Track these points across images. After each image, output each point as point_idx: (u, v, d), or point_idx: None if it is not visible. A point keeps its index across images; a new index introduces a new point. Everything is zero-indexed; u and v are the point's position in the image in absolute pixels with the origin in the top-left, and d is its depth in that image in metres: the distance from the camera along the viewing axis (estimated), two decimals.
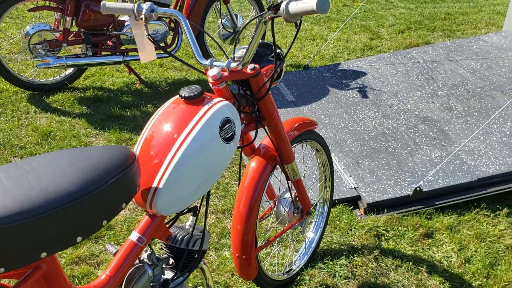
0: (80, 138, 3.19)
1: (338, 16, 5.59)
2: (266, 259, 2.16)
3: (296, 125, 1.91)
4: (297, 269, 2.12)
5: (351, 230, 2.42)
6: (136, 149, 1.42)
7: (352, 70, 4.04)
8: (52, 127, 3.30)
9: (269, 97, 1.64)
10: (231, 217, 2.51)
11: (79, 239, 1.11)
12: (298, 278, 2.11)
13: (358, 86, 3.78)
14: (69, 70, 3.81)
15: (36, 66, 3.56)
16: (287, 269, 2.11)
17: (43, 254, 1.05)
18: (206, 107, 1.43)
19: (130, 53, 3.77)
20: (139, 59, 3.79)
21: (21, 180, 1.07)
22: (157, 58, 3.93)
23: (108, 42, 3.73)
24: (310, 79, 3.93)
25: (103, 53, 3.72)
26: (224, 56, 1.55)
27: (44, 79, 3.80)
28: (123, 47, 3.75)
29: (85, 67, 3.84)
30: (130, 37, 3.68)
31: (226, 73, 1.54)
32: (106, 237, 2.36)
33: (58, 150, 1.21)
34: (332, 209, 2.52)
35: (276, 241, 2.24)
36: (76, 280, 2.11)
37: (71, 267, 2.18)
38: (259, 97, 1.61)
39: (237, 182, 2.79)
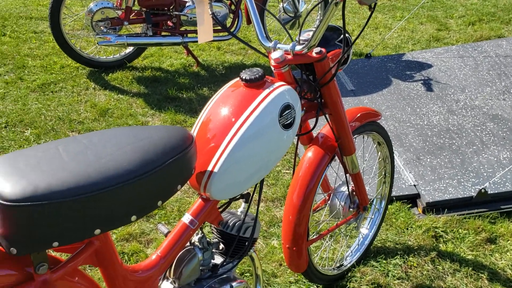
0: (136, 117, 3.22)
1: (404, 5, 5.35)
2: (316, 252, 2.09)
3: (359, 115, 1.82)
4: (348, 265, 2.04)
5: (407, 229, 2.30)
6: (194, 131, 1.39)
7: (417, 62, 3.84)
8: (110, 105, 3.36)
9: (333, 84, 1.56)
10: (281, 206, 2.45)
11: (133, 218, 1.09)
12: (349, 274, 2.03)
13: (422, 78, 3.59)
14: (129, 49, 3.85)
15: (97, 43, 3.63)
16: (338, 265, 2.03)
17: (97, 231, 1.04)
18: (266, 91, 1.36)
19: (189, 35, 3.76)
20: (197, 41, 3.78)
21: (80, 156, 1.05)
22: (216, 40, 3.90)
23: (168, 22, 3.73)
24: (372, 68, 3.78)
25: (163, 33, 3.73)
26: (287, 38, 1.47)
27: (104, 57, 3.86)
28: (182, 28, 3.75)
29: (145, 47, 3.87)
30: (191, 18, 3.66)
31: (289, 56, 1.46)
32: (157, 217, 2.37)
33: (118, 127, 1.20)
34: (389, 206, 2.40)
35: (328, 235, 2.16)
36: (126, 257, 2.13)
37: (121, 244, 2.20)
38: (323, 83, 1.53)
39: (289, 171, 2.72)
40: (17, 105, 3.31)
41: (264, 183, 2.63)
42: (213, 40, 3.86)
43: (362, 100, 3.34)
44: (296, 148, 1.71)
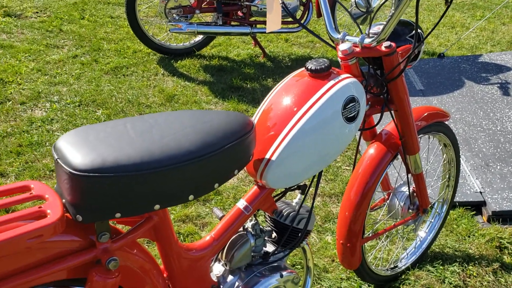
0: (201, 104, 3.29)
1: (486, 4, 5.08)
2: (371, 251, 2.05)
3: (425, 114, 1.75)
4: (403, 268, 1.99)
5: (469, 236, 2.20)
6: (255, 118, 1.40)
7: (495, 64, 3.64)
8: (176, 91, 3.45)
9: (401, 79, 1.51)
10: (338, 202, 2.42)
11: (191, 197, 1.12)
12: (403, 277, 1.97)
13: (499, 81, 3.40)
14: (199, 37, 3.93)
15: (169, 30, 3.73)
16: (392, 266, 1.98)
17: (157, 206, 1.08)
18: (331, 82, 1.35)
19: (258, 26, 3.78)
20: (265, 32, 3.79)
21: (145, 134, 1.10)
22: (284, 32, 3.90)
23: (238, 12, 3.77)
24: (444, 68, 3.63)
25: (232, 23, 3.77)
26: (358, 32, 1.44)
27: (175, 44, 3.97)
28: (252, 19, 3.78)
29: (214, 36, 3.94)
30: (260, 9, 3.68)
31: (358, 49, 1.44)
32: (214, 201, 2.42)
33: (183, 110, 1.23)
34: (450, 211, 2.31)
35: (385, 235, 2.11)
36: (181, 237, 2.19)
37: (178, 224, 2.27)
38: (391, 78, 1.49)
39: (349, 168, 2.68)
40: (90, 85, 3.48)
41: (323, 178, 2.61)
42: (282, 32, 3.87)
43: (431, 101, 3.22)
44: (358, 143, 1.68)
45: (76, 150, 1.02)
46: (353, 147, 2.84)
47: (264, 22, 3.79)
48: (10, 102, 3.20)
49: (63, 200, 1.04)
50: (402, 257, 2.03)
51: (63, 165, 1.00)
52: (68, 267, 1.05)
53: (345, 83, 1.35)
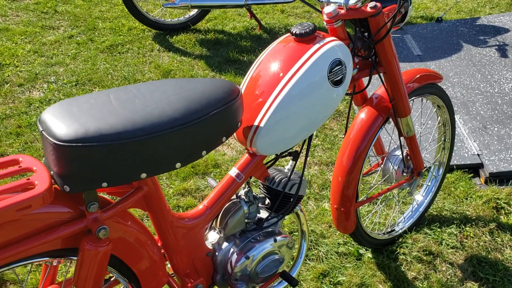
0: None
1: None
2: (367, 216, 2.07)
3: (417, 76, 1.74)
4: (400, 231, 2.00)
5: (466, 199, 2.21)
6: (242, 86, 1.40)
7: (493, 26, 3.59)
8: (173, 66, 3.44)
9: (388, 41, 1.50)
10: None
11: (178, 165, 1.13)
12: (400, 240, 1.99)
13: (497, 43, 3.36)
14: (193, 12, 3.89)
15: (162, 5, 3.70)
16: (389, 230, 2.00)
17: (143, 175, 1.09)
18: (316, 46, 1.34)
19: None
20: (261, 3, 3.75)
21: (128, 103, 1.10)
22: (279, 2, 3.84)
23: None
24: (442, 32, 3.58)
25: None
26: None
27: (170, 19, 3.94)
28: None
29: (208, 9, 3.89)
30: None
31: (343, 11, 1.42)
32: (212, 174, 2.43)
33: (167, 79, 1.23)
34: (447, 175, 2.31)
35: (380, 199, 2.12)
36: (181, 210, 2.22)
37: (177, 198, 2.29)
38: (377, 40, 1.47)
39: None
40: (87, 64, 3.47)
41: (320, 146, 2.61)
42: (277, 2, 3.81)
43: (428, 66, 3.19)
44: (349, 108, 1.68)
45: (60, 121, 1.03)
46: (347, 114, 2.84)
47: None
48: (8, 84, 3.21)
49: (51, 172, 1.05)
50: (399, 221, 2.04)
51: (47, 136, 1.02)
52: (60, 237, 1.07)
53: (330, 46, 1.34)
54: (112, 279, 1.34)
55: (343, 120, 2.82)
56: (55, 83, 3.24)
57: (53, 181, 1.04)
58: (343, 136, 2.68)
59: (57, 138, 1.00)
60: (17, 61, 3.50)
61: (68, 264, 1.78)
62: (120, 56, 3.60)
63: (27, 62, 3.51)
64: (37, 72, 3.36)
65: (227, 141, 2.69)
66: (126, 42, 3.78)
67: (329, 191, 2.28)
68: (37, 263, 1.11)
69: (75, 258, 1.15)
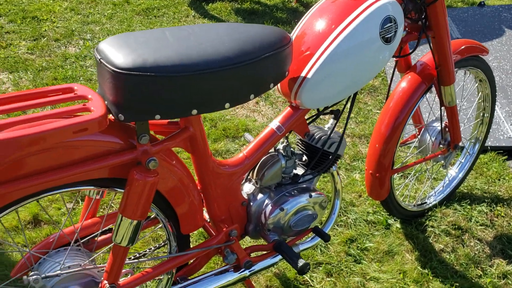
0: None
1: None
2: (398, 189, 2.07)
3: (463, 47, 1.72)
4: (430, 205, 2.00)
5: (499, 180, 2.19)
6: (292, 35, 1.39)
7: None
8: None
9: (441, 4, 1.48)
10: (367, 143, 2.42)
11: (227, 105, 1.14)
12: (429, 213, 1.99)
13: None
14: None
15: None
16: (419, 202, 2.00)
17: (194, 111, 1.10)
18: (370, 1, 1.33)
19: None
20: None
21: (183, 40, 1.11)
22: None
23: None
24: (484, 17, 3.50)
25: None
26: None
27: None
28: None
29: None
30: None
31: None
32: (242, 139, 2.45)
33: (219, 22, 1.24)
34: (480, 156, 2.29)
35: (413, 171, 2.12)
36: None
37: None
38: (430, 2, 1.45)
39: (379, 111, 2.66)
40: (122, 25, 3.50)
41: (353, 119, 2.60)
42: None
43: None
44: (393, 75, 1.67)
45: (118, 51, 1.05)
46: (385, 92, 2.81)
47: None
48: (45, 38, 3.26)
49: (106, 102, 1.07)
50: (430, 195, 2.04)
51: (106, 64, 1.03)
52: (109, 165, 1.09)
53: (383, 2, 1.33)
54: (152, 216, 1.37)
55: (378, 96, 2.80)
56: (90, 41, 3.27)
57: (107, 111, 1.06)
58: (377, 111, 2.67)
59: (116, 66, 1.02)
60: (54, 17, 3.54)
61: (110, 202, 1.83)
62: (156, 19, 3.61)
63: (63, 18, 3.54)
64: (73, 29, 3.40)
65: (258, 108, 2.70)
66: (162, 6, 3.79)
67: (360, 162, 2.28)
68: (82, 193, 1.14)
69: (119, 189, 1.18)
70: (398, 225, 1.93)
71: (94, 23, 3.51)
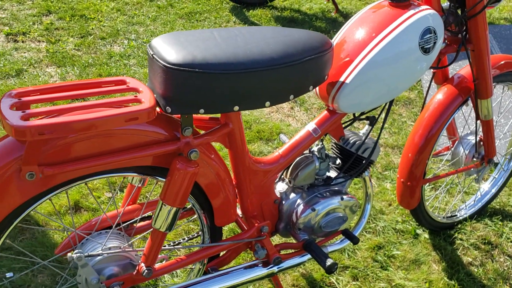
0: None
1: None
2: (428, 199, 2.07)
3: (502, 62, 1.73)
4: (460, 218, 2.00)
5: None
6: (333, 42, 1.44)
7: None
8: None
9: (482, 17, 1.50)
10: (400, 153, 2.43)
11: (267, 103, 1.20)
12: (459, 226, 1.99)
13: None
14: None
15: None
16: (449, 215, 2.00)
17: (236, 108, 1.16)
18: (411, 11, 1.36)
19: None
20: None
21: (230, 40, 1.18)
22: None
23: None
24: None
25: None
26: None
27: None
28: None
29: None
30: None
31: None
32: (276, 142, 2.50)
33: (265, 26, 1.31)
34: None
35: (444, 183, 2.12)
36: None
37: None
38: (471, 15, 1.48)
39: (413, 123, 2.67)
40: (165, 27, 3.62)
41: (387, 129, 2.62)
42: None
43: None
44: (430, 84, 1.69)
45: (170, 48, 1.12)
46: (420, 105, 2.82)
47: None
48: (92, 36, 3.40)
49: (155, 95, 1.14)
50: (461, 208, 2.04)
51: (158, 59, 1.11)
52: (153, 154, 1.17)
53: (425, 13, 1.36)
54: (188, 207, 1.43)
55: (413, 108, 2.81)
56: (135, 41, 3.40)
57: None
58: (411, 123, 2.68)
59: (167, 61, 1.09)
60: (101, 17, 3.69)
61: (150, 191, 1.91)
62: (198, 23, 3.72)
63: (110, 18, 3.69)
64: (119, 28, 3.53)
65: (293, 113, 2.75)
66: (204, 11, 3.90)
67: (392, 172, 2.29)
68: (125, 181, 1.21)
69: (160, 178, 1.25)
70: (427, 236, 1.94)
71: (139, 24, 3.64)
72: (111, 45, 3.33)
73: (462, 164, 1.83)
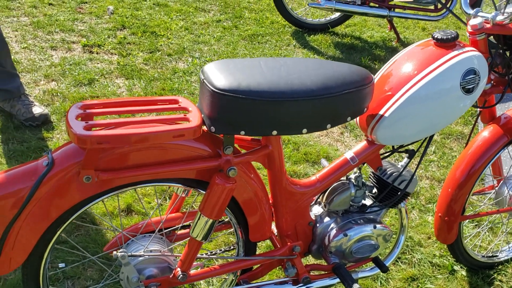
0: None
1: None
2: (468, 236, 2.05)
3: None
4: (502, 259, 1.96)
5: None
6: (376, 77, 1.51)
7: None
8: None
9: None
10: None
11: (304, 131, 1.28)
12: (499, 267, 1.95)
13: None
14: (335, 15, 4.04)
15: (307, 4, 3.89)
16: (490, 254, 1.97)
17: (274, 132, 1.26)
18: (455, 52, 1.40)
19: (396, 10, 3.78)
20: (403, 17, 3.79)
21: (275, 70, 1.28)
22: (423, 19, 3.84)
23: None
24: None
25: (371, 4, 3.81)
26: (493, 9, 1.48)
27: (311, 19, 4.12)
28: (391, 2, 3.78)
29: (350, 14, 4.02)
30: None
31: (488, 25, 1.47)
32: (317, 166, 2.56)
33: (310, 58, 1.40)
34: None
35: (486, 222, 2.09)
36: None
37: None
38: None
39: None
40: (228, 48, 3.79)
41: (435, 162, 2.61)
42: (421, 19, 3.82)
43: None
44: (475, 123, 1.70)
45: (219, 73, 1.24)
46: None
47: (403, 7, 3.78)
48: (159, 52, 3.63)
49: (202, 115, 1.26)
50: (503, 249, 2.00)
51: (207, 84, 1.23)
52: (196, 168, 1.28)
53: (468, 55, 1.40)
54: (225, 219, 1.53)
55: (464, 142, 2.77)
56: (198, 59, 3.59)
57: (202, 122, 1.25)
58: None
59: (215, 86, 1.21)
60: (170, 34, 3.93)
61: (193, 202, 2.02)
62: (259, 45, 3.87)
63: (178, 36, 3.92)
64: (185, 46, 3.75)
65: (342, 138, 2.80)
66: (267, 34, 4.04)
67: (435, 205, 2.29)
68: (170, 190, 1.32)
69: (201, 191, 1.36)
70: (464, 273, 1.92)
71: (204, 43, 3.84)
72: (176, 62, 3.54)
73: (506, 204, 1.81)
